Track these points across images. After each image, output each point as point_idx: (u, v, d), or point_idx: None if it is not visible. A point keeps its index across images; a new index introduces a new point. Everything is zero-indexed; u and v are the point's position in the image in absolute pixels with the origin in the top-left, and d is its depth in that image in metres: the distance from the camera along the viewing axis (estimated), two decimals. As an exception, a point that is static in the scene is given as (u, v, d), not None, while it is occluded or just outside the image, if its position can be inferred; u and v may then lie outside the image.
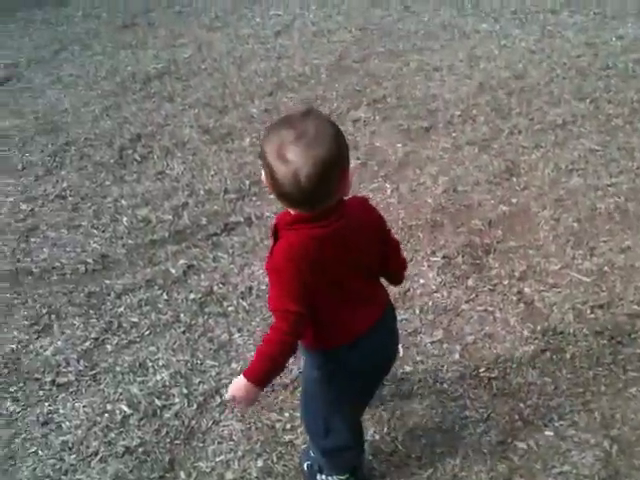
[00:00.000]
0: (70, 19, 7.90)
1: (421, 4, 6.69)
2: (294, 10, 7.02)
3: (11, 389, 2.71)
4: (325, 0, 7.21)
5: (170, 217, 3.63)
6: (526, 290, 2.88)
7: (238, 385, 1.72)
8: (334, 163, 1.54)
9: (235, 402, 1.77)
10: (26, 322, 3.04)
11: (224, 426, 2.46)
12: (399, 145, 4.08)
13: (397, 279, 2.04)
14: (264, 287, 3.06)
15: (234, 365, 2.69)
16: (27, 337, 2.96)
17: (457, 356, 2.62)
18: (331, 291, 1.73)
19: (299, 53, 5.79)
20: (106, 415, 2.55)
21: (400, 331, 2.68)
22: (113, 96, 5.28)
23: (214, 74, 5.53)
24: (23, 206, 3.90)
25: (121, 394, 2.63)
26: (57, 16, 8.06)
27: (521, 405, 2.43)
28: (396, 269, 1.99)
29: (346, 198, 1.72)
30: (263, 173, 1.63)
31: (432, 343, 2.69)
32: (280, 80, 5.23)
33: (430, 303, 2.87)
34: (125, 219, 3.66)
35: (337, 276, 1.72)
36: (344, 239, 1.67)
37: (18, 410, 2.62)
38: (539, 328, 2.70)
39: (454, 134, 4.16)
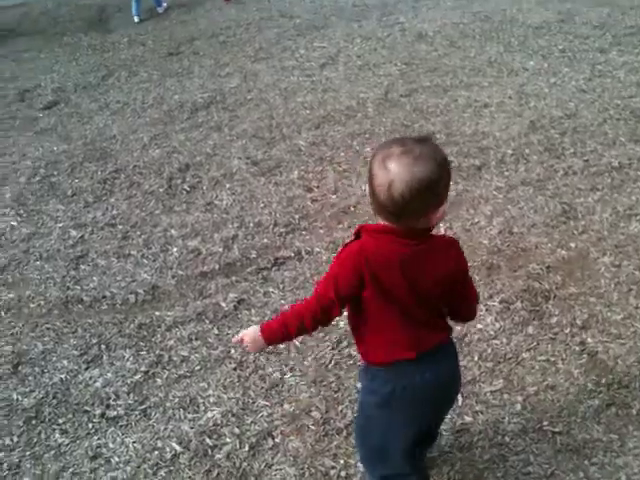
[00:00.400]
0: (116, 46, 8.04)
1: (467, 40, 6.68)
2: (338, 43, 7.05)
3: (60, 420, 2.68)
4: (369, 33, 7.24)
5: (220, 249, 3.61)
6: (589, 340, 2.78)
7: (251, 331, 1.87)
8: (429, 186, 1.58)
9: (241, 343, 1.91)
10: (75, 352, 3.01)
11: (277, 470, 2.39)
12: (450, 183, 4.00)
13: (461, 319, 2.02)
14: (316, 325, 3.01)
15: (286, 406, 2.63)
16: (76, 367, 2.93)
17: (519, 407, 2.53)
18: (391, 308, 1.74)
19: (345, 86, 5.80)
20: (156, 452, 2.50)
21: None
22: (161, 124, 5.32)
23: (261, 105, 5.55)
24: (73, 232, 3.91)
25: (171, 431, 2.58)
26: (103, 42, 8.22)
27: (586, 462, 2.33)
28: (464, 318, 1.98)
29: (437, 233, 1.76)
30: (367, 187, 1.70)
31: (492, 392, 2.60)
32: (327, 113, 5.23)
33: (489, 350, 2.78)
34: (175, 249, 3.65)
35: (399, 297, 1.72)
36: (417, 265, 1.70)
37: (67, 442, 2.58)
38: (603, 381, 2.60)
39: (507, 173, 4.09)
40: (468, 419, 2.50)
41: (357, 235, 1.75)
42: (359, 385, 2.09)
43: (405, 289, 1.71)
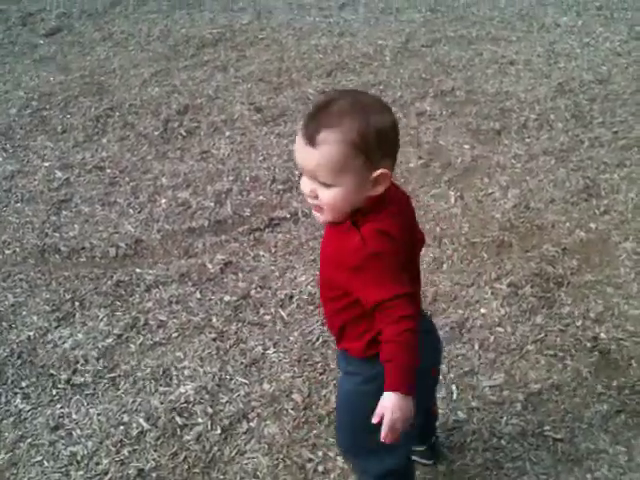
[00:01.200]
0: (127, -29, 7.58)
1: (498, -11, 6.24)
2: (361, -17, 6.61)
3: (23, 384, 2.49)
4: (395, -25, 6.78)
5: (212, 204, 3.36)
6: (602, 336, 2.53)
7: (392, 405, 1.44)
8: None
9: (396, 433, 1.46)
10: (47, 307, 2.81)
11: (249, 458, 2.19)
12: (466, 147, 3.72)
13: None
14: (306, 297, 2.79)
15: (266, 386, 2.42)
16: (46, 324, 2.73)
17: (519, 407, 2.30)
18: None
19: (363, 31, 5.43)
20: (121, 427, 2.31)
21: (455, 369, 2.43)
22: (164, 60, 5.02)
23: (272, 46, 5.21)
24: (58, 173, 3.68)
25: (140, 404, 2.38)
26: (114, -33, 7.75)
27: (588, 476, 2.09)
28: None
29: None
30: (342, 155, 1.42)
31: (491, 388, 2.37)
32: (341, 59, 4.89)
33: (491, 339, 2.54)
34: (164, 200, 3.41)
35: (409, 256, 1.59)
36: (407, 217, 1.63)
37: (28, 409, 2.40)
38: (614, 384, 2.36)
39: (528, 140, 3.78)
40: (462, 416, 2.28)
41: (354, 225, 1.50)
42: (345, 386, 1.81)
43: (411, 244, 1.61)
